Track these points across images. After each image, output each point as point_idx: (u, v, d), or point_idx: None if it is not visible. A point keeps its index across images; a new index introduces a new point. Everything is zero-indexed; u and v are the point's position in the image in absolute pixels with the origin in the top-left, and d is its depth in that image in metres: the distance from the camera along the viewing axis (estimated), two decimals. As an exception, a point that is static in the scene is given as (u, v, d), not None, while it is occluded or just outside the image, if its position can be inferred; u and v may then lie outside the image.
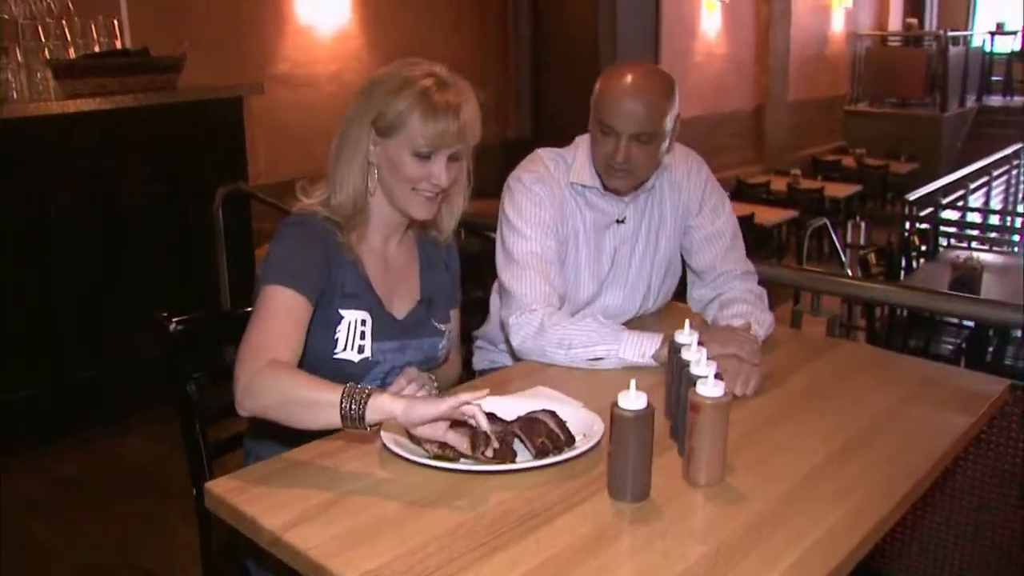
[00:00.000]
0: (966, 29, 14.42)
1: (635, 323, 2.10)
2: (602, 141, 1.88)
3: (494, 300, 2.15)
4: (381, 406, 1.34)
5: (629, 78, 1.85)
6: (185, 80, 3.73)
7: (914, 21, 13.49)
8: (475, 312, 2.27)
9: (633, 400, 1.29)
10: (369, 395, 1.34)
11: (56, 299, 3.41)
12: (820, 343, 2.07)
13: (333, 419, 1.37)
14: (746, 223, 7.11)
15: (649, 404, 1.29)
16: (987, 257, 4.68)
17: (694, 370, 1.40)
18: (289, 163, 5.23)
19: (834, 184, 9.81)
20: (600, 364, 1.82)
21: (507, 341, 2.05)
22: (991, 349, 4.23)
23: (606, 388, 1.74)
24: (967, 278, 4.27)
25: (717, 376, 1.36)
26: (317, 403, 1.37)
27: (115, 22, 3.60)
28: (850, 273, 5.54)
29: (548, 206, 1.95)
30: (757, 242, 7.36)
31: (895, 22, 13.65)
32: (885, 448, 1.48)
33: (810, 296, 2.47)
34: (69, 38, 3.50)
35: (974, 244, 6.11)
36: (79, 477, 3.36)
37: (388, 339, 1.69)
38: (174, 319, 1.84)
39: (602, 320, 1.88)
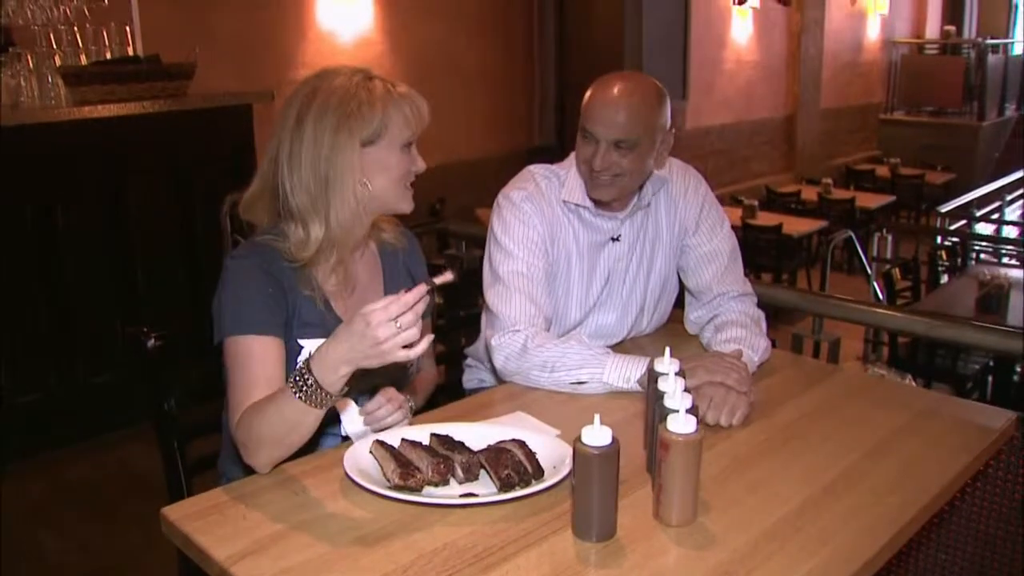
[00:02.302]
0: (1007, 37, 14.10)
1: (629, 344, 2.04)
2: (583, 147, 1.84)
3: (484, 316, 2.09)
4: (323, 360, 1.32)
5: (615, 86, 1.81)
6: (204, 86, 3.73)
7: (952, 28, 13.21)
8: (471, 327, 2.22)
9: (597, 435, 1.22)
10: (307, 365, 1.33)
11: (65, 303, 3.41)
12: (817, 369, 2.00)
13: (311, 417, 1.36)
14: (774, 233, 6.99)
15: (614, 440, 1.23)
16: (1016, 274, 4.53)
17: (667, 403, 1.34)
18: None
19: (866, 194, 9.60)
20: (583, 388, 1.76)
21: (491, 361, 2.01)
22: (1019, 369, 4.09)
23: (588, 415, 1.66)
24: (994, 296, 4.13)
25: (691, 410, 1.29)
26: (286, 417, 1.36)
27: (127, 29, 3.61)
28: (877, 288, 5.43)
29: (537, 224, 1.90)
30: (786, 253, 7.22)
31: (932, 30, 13.38)
32: (874, 487, 1.41)
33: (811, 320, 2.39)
34: (81, 44, 3.50)
35: (1005, 260, 5.93)
36: (86, 482, 3.36)
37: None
38: (152, 335, 1.81)
39: (587, 343, 1.82)
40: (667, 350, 1.50)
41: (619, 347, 1.99)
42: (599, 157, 1.79)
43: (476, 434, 1.49)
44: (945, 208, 7.35)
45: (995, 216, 8.43)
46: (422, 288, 1.33)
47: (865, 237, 6.53)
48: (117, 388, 3.51)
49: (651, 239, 2.00)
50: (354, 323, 1.30)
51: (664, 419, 1.30)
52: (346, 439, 1.63)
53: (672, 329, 2.12)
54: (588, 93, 1.84)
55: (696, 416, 1.28)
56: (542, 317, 1.87)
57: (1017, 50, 13.39)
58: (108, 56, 3.56)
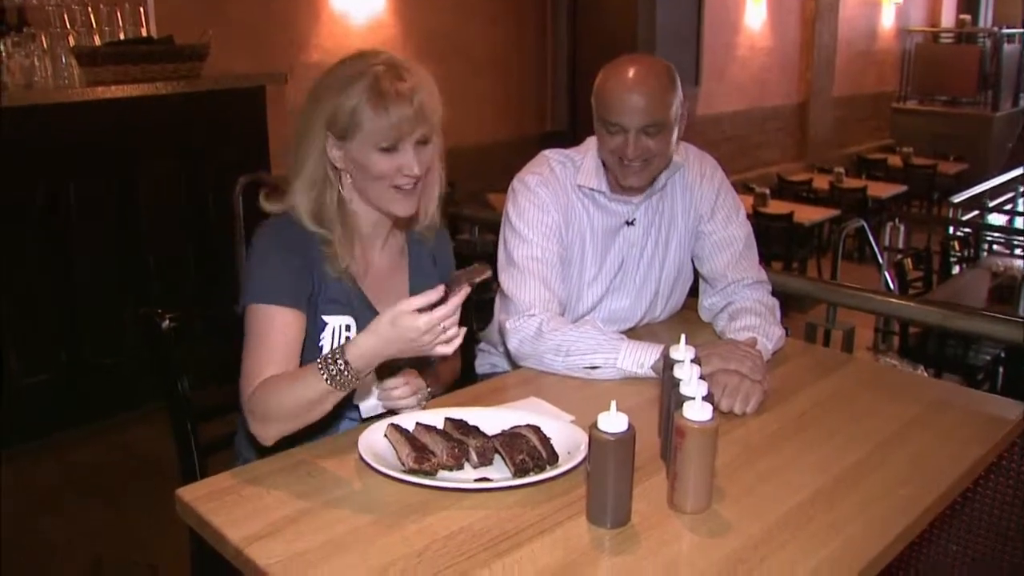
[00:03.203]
0: (1023, 26, 13.97)
1: (643, 331, 2.03)
2: (609, 139, 1.82)
3: (498, 301, 2.09)
4: (360, 352, 1.35)
5: (629, 71, 1.80)
6: (217, 68, 3.72)
7: (967, 17, 13.09)
8: (484, 312, 2.22)
9: (613, 421, 1.22)
10: (343, 352, 1.35)
11: (75, 284, 3.42)
12: (830, 359, 1.99)
13: (331, 399, 1.39)
14: (785, 221, 6.97)
15: (630, 427, 1.23)
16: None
17: (683, 390, 1.34)
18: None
19: (878, 183, 9.55)
20: (597, 373, 1.76)
21: (505, 345, 2.01)
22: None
23: (602, 401, 1.66)
24: (1006, 287, 4.11)
25: (707, 397, 1.29)
26: (308, 397, 1.38)
27: (141, 9, 3.60)
28: (888, 278, 5.40)
29: (552, 209, 1.89)
30: (796, 241, 7.19)
31: (948, 18, 13.28)
32: (885, 479, 1.40)
33: (825, 308, 2.38)
34: (95, 25, 3.50)
35: (1018, 251, 5.90)
36: (91, 465, 3.37)
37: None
38: (167, 316, 1.81)
39: (601, 328, 1.82)
40: (682, 337, 1.49)
41: (633, 333, 1.98)
42: (631, 146, 1.78)
43: (490, 419, 1.49)
44: (958, 198, 7.31)
45: (1008, 207, 8.38)
46: (465, 291, 1.36)
47: (877, 226, 6.50)
48: (127, 370, 3.53)
49: (666, 224, 1.99)
50: (399, 323, 1.32)
51: (680, 406, 1.29)
52: (362, 421, 1.63)
53: (686, 316, 2.12)
54: (601, 84, 1.82)
55: (712, 404, 1.28)
56: (556, 302, 1.86)
57: (1033, 40, 13.25)
58: (122, 37, 3.55)
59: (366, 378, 1.42)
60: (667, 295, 2.04)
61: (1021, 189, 8.82)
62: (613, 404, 1.23)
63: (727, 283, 1.99)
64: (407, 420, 1.48)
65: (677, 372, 1.40)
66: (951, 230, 6.53)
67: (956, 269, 5.18)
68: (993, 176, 8.79)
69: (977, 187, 7.72)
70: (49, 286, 3.37)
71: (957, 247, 5.10)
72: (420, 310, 1.32)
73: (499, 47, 6.89)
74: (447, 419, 1.48)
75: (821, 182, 9.09)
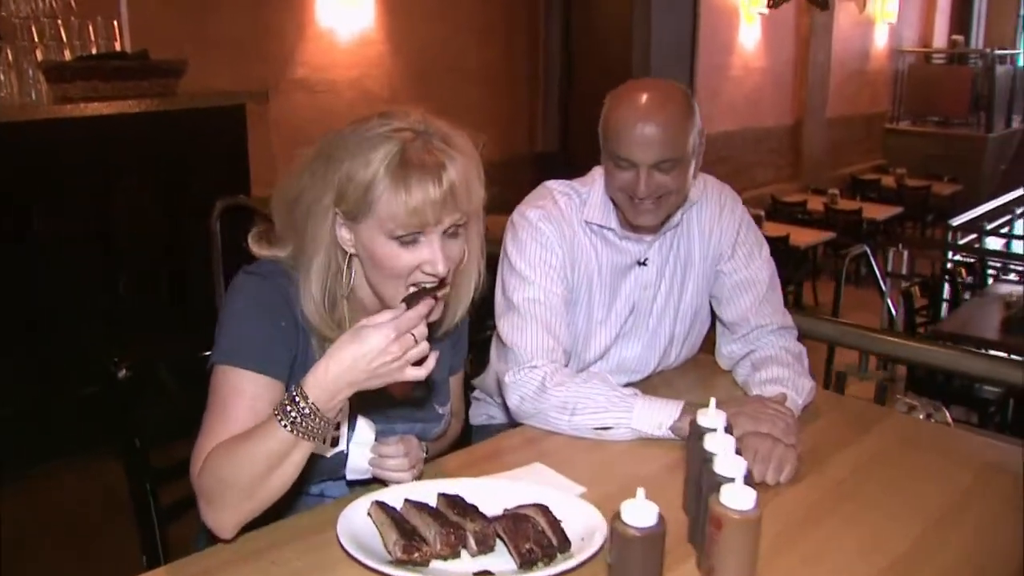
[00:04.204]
0: (1015, 47, 13.95)
1: (657, 379, 1.84)
2: (618, 175, 1.63)
3: (494, 347, 1.90)
4: (320, 381, 1.14)
5: (640, 99, 1.61)
6: (196, 85, 3.52)
7: (960, 38, 13.04)
8: (480, 355, 2.02)
9: (641, 513, 1.03)
10: (300, 388, 1.15)
11: (42, 311, 3.21)
12: (865, 413, 1.80)
13: (297, 454, 1.17)
14: (781, 244, 6.80)
15: (660, 520, 1.03)
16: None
17: (719, 468, 1.15)
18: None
19: (872, 205, 9.43)
20: (609, 435, 1.56)
21: (503, 397, 1.82)
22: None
23: (617, 467, 1.49)
24: (1020, 318, 3.95)
25: (747, 479, 1.10)
26: (267, 457, 1.16)
27: (115, 23, 3.40)
28: (891, 305, 5.24)
29: (556, 248, 1.70)
30: (791, 264, 7.03)
31: (940, 39, 13.22)
32: (946, 566, 1.21)
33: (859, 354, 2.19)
34: (65, 39, 3.30)
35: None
36: (66, 506, 3.14)
37: (363, 420, 1.40)
38: (123, 364, 1.61)
39: (611, 381, 1.63)
40: (712, 401, 1.30)
41: (645, 384, 1.80)
42: (642, 184, 1.59)
43: (491, 493, 1.29)
44: (957, 221, 7.18)
45: (1004, 230, 8.26)
46: (429, 303, 1.19)
47: (873, 250, 6.35)
48: (95, 403, 3.30)
49: (682, 263, 1.80)
50: (361, 336, 1.14)
51: (716, 489, 1.10)
52: (347, 483, 1.42)
53: (701, 362, 1.93)
54: (608, 113, 1.63)
55: (753, 484, 1.09)
56: (561, 351, 1.67)
57: (1024, 61, 13.23)
58: (94, 52, 3.35)
59: (336, 422, 1.22)
60: (682, 342, 1.85)
61: (1018, 211, 8.72)
62: (640, 492, 1.04)
63: (750, 328, 1.80)
64: (395, 495, 1.29)
65: (709, 444, 1.21)
66: (950, 254, 6.39)
67: (963, 297, 5.00)
68: (987, 197, 8.68)
69: (975, 210, 7.59)
70: (13, 312, 3.15)
71: (964, 273, 4.94)
72: None
73: (490, 64, 6.73)
74: (441, 495, 1.28)
75: (816, 204, 8.95)
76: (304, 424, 1.15)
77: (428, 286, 1.25)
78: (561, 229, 1.72)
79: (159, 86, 3.29)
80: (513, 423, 1.79)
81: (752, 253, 1.81)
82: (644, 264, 1.78)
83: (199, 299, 3.46)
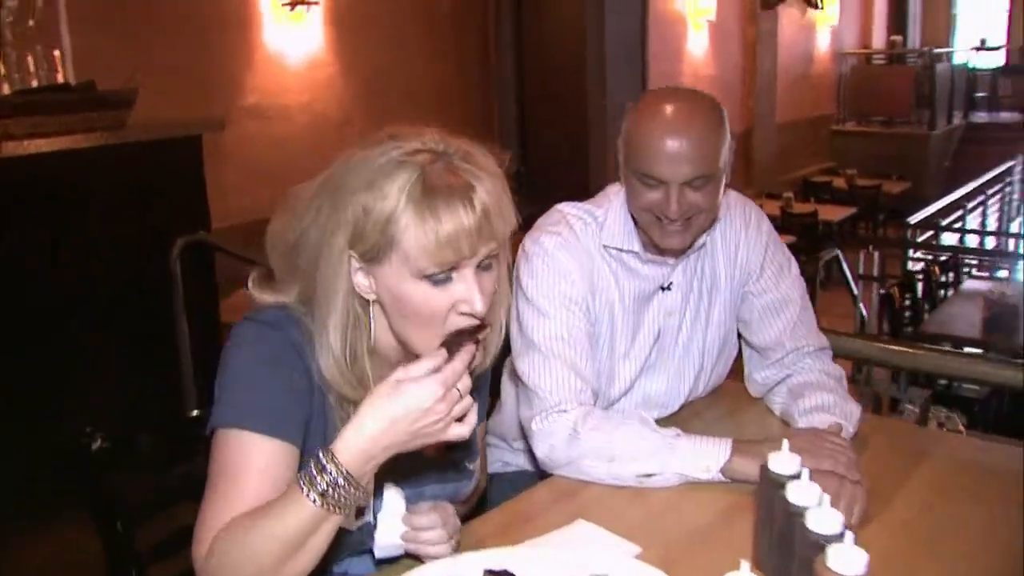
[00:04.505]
0: (948, 46, 14.25)
1: (685, 413, 1.70)
2: (644, 194, 1.49)
3: (506, 386, 1.74)
4: (353, 446, 1.00)
5: (669, 110, 1.46)
6: (145, 116, 3.31)
7: (899, 39, 13.26)
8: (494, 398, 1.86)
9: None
10: (330, 454, 1.00)
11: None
12: (913, 435, 1.68)
13: (324, 531, 1.02)
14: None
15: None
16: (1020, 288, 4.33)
17: (815, 525, 1.00)
18: (261, 201, 4.79)
19: (827, 206, 9.46)
20: (652, 481, 1.41)
21: (523, 442, 1.67)
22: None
23: (670, 521, 1.35)
24: (1006, 315, 3.90)
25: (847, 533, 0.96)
26: (290, 533, 1.00)
27: (55, 54, 3.18)
28: (863, 309, 5.19)
29: (576, 278, 1.55)
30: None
31: (879, 40, 13.44)
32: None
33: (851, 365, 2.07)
34: (3, 72, 3.07)
35: (1001, 273, 5.77)
36: (31, 567, 2.90)
37: (400, 487, 1.23)
38: (98, 435, 1.42)
39: (650, 422, 1.48)
40: (784, 443, 1.16)
41: (673, 419, 1.65)
42: (673, 203, 1.44)
43: (542, 565, 1.13)
44: (915, 219, 7.21)
45: (957, 225, 8.34)
46: (471, 349, 1.05)
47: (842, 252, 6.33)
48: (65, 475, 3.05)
49: (707, 287, 1.66)
50: (402, 393, 1.00)
51: (816, 550, 0.96)
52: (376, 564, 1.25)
53: (729, 391, 1.79)
54: (633, 126, 1.49)
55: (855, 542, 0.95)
56: (590, 391, 1.52)
57: (959, 59, 13.50)
58: (35, 84, 3.13)
59: (368, 489, 1.06)
60: (710, 370, 1.71)
61: (969, 206, 8.82)
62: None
63: (785, 352, 1.66)
64: (435, 573, 1.12)
65: (795, 496, 1.07)
66: (911, 252, 6.39)
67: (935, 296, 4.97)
68: (934, 193, 8.76)
69: (930, 207, 7.63)
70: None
71: (937, 272, 4.91)
72: None
73: (443, 85, 6.59)
74: (488, 572, 1.12)
75: (771, 208, 8.93)
76: (335, 495, 0.99)
77: (467, 328, 1.09)
78: (579, 257, 1.57)
79: (108, 119, 3.07)
80: (535, 470, 1.64)
81: (782, 271, 1.68)
82: (668, 289, 1.64)
83: (163, 346, 3.23)
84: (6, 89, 3.09)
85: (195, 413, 1.57)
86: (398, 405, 0.99)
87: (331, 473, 0.99)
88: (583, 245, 1.58)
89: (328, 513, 1.00)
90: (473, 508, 1.47)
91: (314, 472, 0.99)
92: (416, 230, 1.04)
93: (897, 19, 13.54)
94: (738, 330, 1.73)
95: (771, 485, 1.12)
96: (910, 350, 2.05)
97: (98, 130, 3.04)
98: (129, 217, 3.11)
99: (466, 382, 1.04)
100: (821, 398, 1.55)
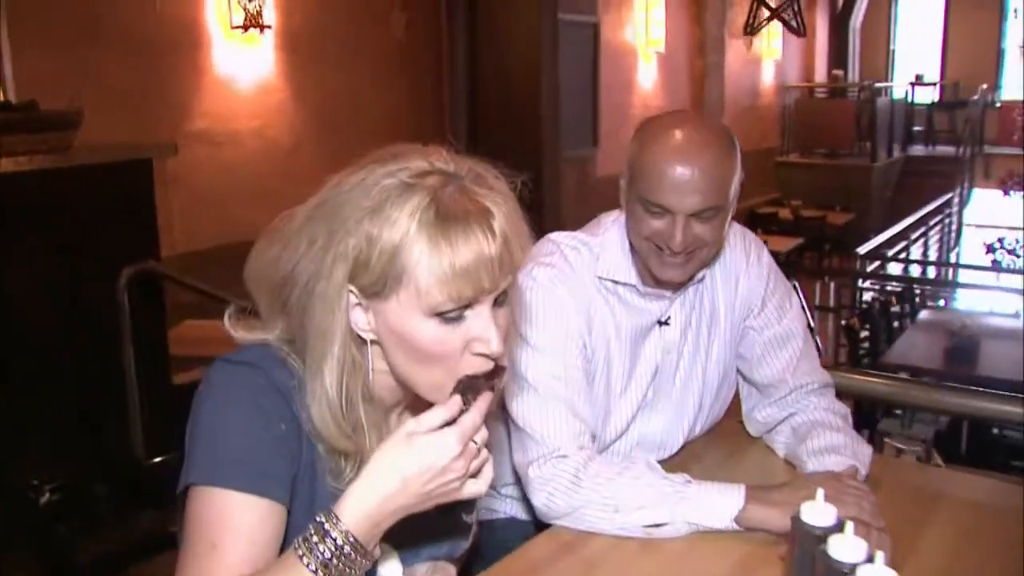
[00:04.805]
0: (887, 80, 14.63)
1: (683, 455, 1.61)
2: (648, 222, 1.40)
3: (503, 436, 1.63)
4: (363, 509, 0.90)
5: (681, 137, 1.39)
6: (91, 140, 3.14)
7: (840, 73, 13.57)
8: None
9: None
10: (334, 518, 0.90)
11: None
12: (921, 474, 1.61)
13: None
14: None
15: None
16: (988, 321, 4.36)
17: (867, 588, 0.91)
18: (209, 229, 4.63)
19: (774, 237, 9.56)
20: (661, 532, 1.31)
21: (513, 488, 1.56)
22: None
23: (684, 572, 1.25)
24: (966, 346, 3.92)
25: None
26: None
27: (-5, 72, 3.02)
28: (819, 342, 5.20)
29: (572, 312, 1.45)
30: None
31: (820, 74, 13.73)
32: None
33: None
34: (-62, 91, 2.89)
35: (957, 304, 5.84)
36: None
37: (384, 548, 1.08)
38: (47, 487, 1.28)
39: (657, 467, 1.39)
40: (819, 493, 1.07)
41: (671, 462, 1.56)
42: (679, 233, 1.36)
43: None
44: (864, 250, 7.30)
45: (903, 255, 8.49)
46: (488, 397, 0.95)
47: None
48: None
49: (707, 321, 1.58)
50: (415, 449, 0.91)
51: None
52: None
53: (728, 430, 1.70)
54: (640, 151, 1.41)
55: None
56: (589, 434, 1.42)
57: (897, 94, 13.86)
58: (-28, 105, 2.95)
59: (374, 555, 0.94)
60: (708, 409, 1.63)
61: (913, 236, 8.99)
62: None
63: (788, 390, 1.58)
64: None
65: (839, 552, 0.98)
66: (861, 282, 6.47)
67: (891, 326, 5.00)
68: (877, 224, 8.91)
69: (879, 237, 7.75)
70: None
71: (894, 301, 4.94)
72: None
73: (395, 111, 6.47)
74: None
75: (722, 238, 9.01)
76: (340, 564, 0.88)
77: (482, 372, 0.97)
78: (575, 289, 1.47)
79: (52, 140, 2.89)
80: (528, 518, 1.53)
81: (784, 305, 1.61)
82: (666, 323, 1.55)
83: (111, 385, 3.03)
84: (-59, 109, 2.90)
85: (155, 460, 1.44)
86: (412, 463, 0.89)
87: (335, 540, 0.87)
88: (578, 277, 1.49)
89: None
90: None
91: (315, 539, 0.88)
92: (429, 261, 0.93)
93: (838, 54, 13.86)
94: (737, 367, 1.65)
95: (807, 539, 1.04)
96: (919, 389, 1.98)
97: (42, 152, 2.86)
98: (73, 245, 2.92)
99: (483, 434, 0.93)
100: (831, 438, 1.47)
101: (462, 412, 0.93)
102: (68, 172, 2.93)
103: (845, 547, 0.98)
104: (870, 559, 0.96)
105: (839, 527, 1.01)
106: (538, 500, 1.37)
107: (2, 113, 2.90)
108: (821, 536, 1.01)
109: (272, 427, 0.98)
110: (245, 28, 5.08)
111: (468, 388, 0.94)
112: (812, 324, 5.37)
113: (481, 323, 0.96)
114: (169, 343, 3.34)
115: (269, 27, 5.24)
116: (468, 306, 0.96)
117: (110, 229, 3.01)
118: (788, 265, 8.47)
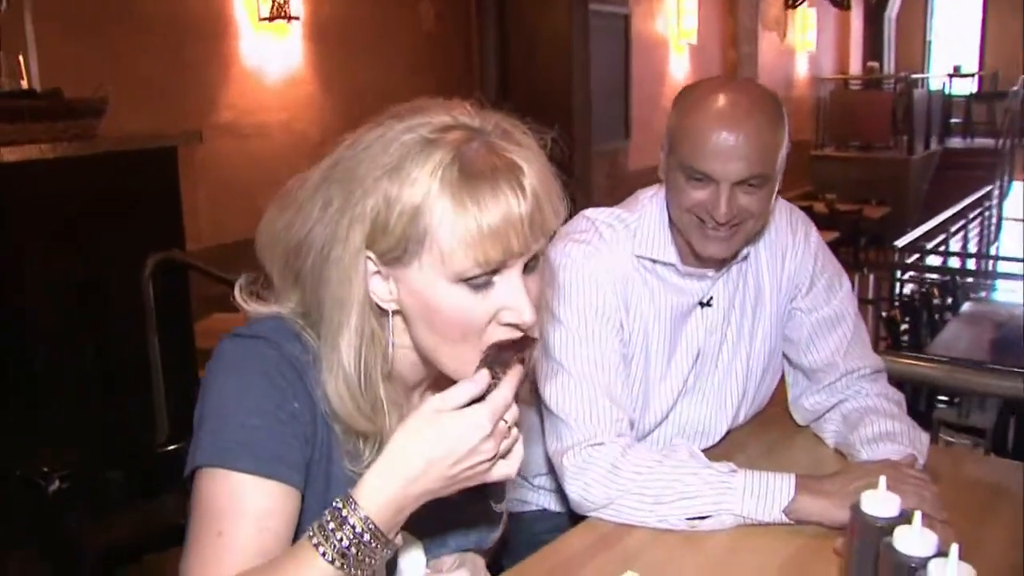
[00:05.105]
0: (923, 72, 14.35)
1: (727, 444, 1.52)
2: (690, 192, 1.32)
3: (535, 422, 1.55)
4: (383, 494, 0.83)
5: (726, 101, 1.30)
6: (117, 128, 3.10)
7: (875, 64, 13.33)
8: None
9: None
10: (353, 503, 0.83)
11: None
12: (980, 464, 1.50)
13: None
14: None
15: None
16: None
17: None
18: (236, 222, 4.58)
19: (809, 231, 9.44)
20: (705, 524, 1.23)
21: (546, 478, 1.48)
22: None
23: (732, 570, 1.16)
24: (1013, 337, 3.78)
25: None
26: None
27: (20, 59, 2.97)
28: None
29: (608, 291, 1.37)
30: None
31: (855, 66, 13.50)
32: None
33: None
34: (-37, 78, 2.86)
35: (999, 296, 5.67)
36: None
37: (417, 536, 1.02)
38: (56, 475, 1.22)
39: (700, 455, 1.30)
40: (882, 481, 0.98)
41: (715, 451, 1.48)
42: (723, 204, 1.27)
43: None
44: (902, 243, 7.14)
45: (942, 248, 8.30)
46: (519, 372, 0.87)
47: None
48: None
49: (751, 302, 1.49)
50: (442, 429, 0.83)
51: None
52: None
53: (773, 418, 1.61)
54: (682, 116, 1.33)
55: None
56: (627, 420, 1.34)
57: (934, 85, 13.60)
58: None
59: (396, 544, 0.87)
60: (752, 396, 1.53)
61: (952, 229, 8.79)
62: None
63: (838, 375, 1.49)
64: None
65: (906, 545, 0.89)
66: (899, 274, 6.31)
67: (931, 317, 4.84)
68: (914, 218, 8.72)
69: (917, 230, 7.58)
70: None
71: (936, 293, 4.79)
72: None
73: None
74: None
75: (756, 232, 8.88)
76: (359, 554, 0.81)
77: (510, 343, 0.89)
78: (611, 268, 1.39)
79: (77, 128, 2.85)
80: (562, 510, 1.45)
81: (833, 285, 1.51)
82: (708, 304, 1.46)
83: (132, 372, 2.99)
84: (-34, 96, 2.87)
85: (172, 447, 1.37)
86: (439, 444, 0.81)
87: (354, 527, 0.80)
88: (615, 255, 1.41)
89: (347, 574, 0.81)
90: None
91: (331, 526, 0.81)
92: (454, 222, 0.85)
93: (873, 45, 13.63)
94: (783, 351, 1.56)
95: (870, 531, 0.95)
96: (972, 373, 1.88)
97: (66, 140, 2.82)
98: (98, 232, 2.88)
99: (514, 411, 0.85)
100: (886, 425, 1.38)
101: (491, 388, 0.85)
102: (92, 159, 2.88)
103: (913, 540, 0.89)
104: (942, 553, 0.87)
105: (906, 518, 0.92)
106: (573, 490, 1.29)
107: (26, 100, 2.85)
108: (885, 528, 0.92)
109: (285, 404, 0.91)
110: (272, 19, 5.04)
111: (496, 361, 0.87)
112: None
113: (511, 290, 0.88)
114: (197, 336, 3.30)
115: (297, 18, 5.19)
116: (496, 271, 0.88)
117: (135, 218, 2.97)
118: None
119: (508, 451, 0.87)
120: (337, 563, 0.80)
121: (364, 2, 5.83)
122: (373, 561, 0.83)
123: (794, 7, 7.51)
